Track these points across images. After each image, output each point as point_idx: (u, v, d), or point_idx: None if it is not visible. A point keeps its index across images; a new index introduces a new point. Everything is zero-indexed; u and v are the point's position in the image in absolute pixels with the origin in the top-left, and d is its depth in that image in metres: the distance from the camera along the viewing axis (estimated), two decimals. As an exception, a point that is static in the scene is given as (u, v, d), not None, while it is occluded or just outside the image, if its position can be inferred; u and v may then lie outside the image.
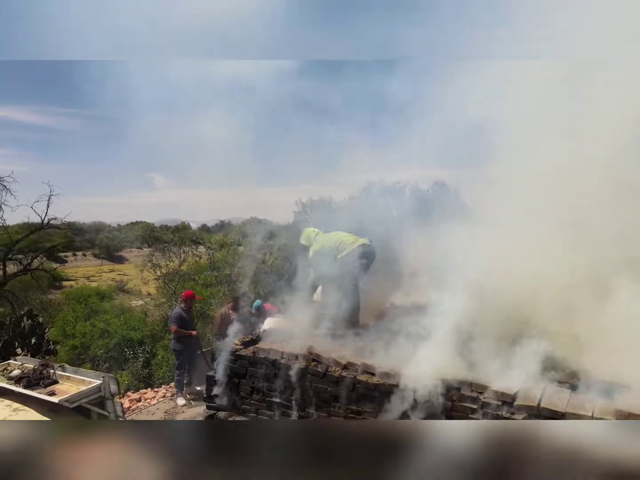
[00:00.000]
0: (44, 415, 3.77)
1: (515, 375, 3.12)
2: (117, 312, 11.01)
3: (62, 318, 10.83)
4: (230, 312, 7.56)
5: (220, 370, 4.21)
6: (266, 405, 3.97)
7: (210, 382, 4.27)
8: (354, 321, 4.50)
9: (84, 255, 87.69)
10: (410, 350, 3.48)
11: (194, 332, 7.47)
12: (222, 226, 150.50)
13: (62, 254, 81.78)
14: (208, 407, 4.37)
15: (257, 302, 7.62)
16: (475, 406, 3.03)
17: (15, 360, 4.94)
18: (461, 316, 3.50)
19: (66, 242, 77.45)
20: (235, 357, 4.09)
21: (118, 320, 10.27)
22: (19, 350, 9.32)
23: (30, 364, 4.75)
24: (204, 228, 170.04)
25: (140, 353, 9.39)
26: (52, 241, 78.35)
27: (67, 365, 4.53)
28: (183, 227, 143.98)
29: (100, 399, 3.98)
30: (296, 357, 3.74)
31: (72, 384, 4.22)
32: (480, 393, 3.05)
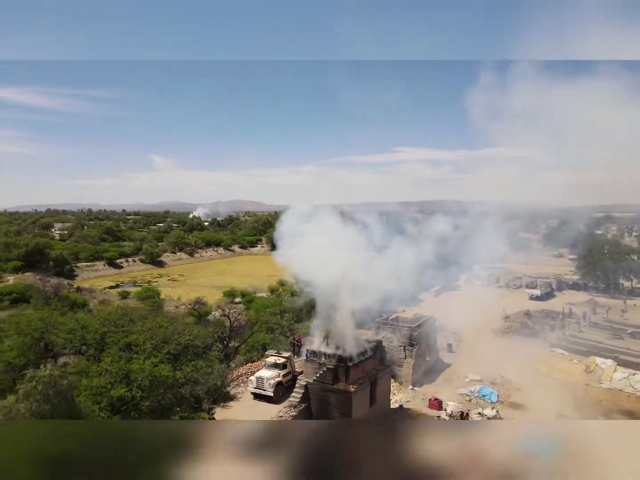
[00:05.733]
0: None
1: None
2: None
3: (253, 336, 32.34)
4: (301, 338, 29.13)
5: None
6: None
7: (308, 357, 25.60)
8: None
9: (134, 261, 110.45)
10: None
11: (287, 353, 28.67)
12: (231, 220, 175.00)
13: (117, 261, 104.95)
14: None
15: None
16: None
17: (270, 352, 26.30)
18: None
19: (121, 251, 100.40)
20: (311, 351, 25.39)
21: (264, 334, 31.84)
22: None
23: (273, 351, 26.21)
24: (214, 222, 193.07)
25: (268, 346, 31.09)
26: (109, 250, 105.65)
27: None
28: (197, 224, 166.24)
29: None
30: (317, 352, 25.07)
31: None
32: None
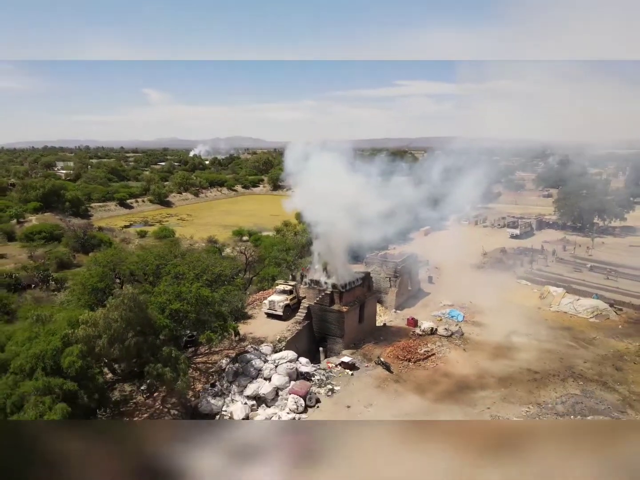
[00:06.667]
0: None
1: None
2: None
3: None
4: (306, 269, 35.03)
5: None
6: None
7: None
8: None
9: (143, 201, 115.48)
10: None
11: (293, 282, 34.45)
12: (232, 159, 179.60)
13: (128, 201, 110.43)
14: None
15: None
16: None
17: (279, 282, 32.26)
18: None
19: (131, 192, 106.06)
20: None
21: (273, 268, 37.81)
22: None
23: (282, 281, 32.17)
24: (215, 161, 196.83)
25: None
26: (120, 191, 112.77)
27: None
28: (199, 163, 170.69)
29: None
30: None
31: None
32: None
